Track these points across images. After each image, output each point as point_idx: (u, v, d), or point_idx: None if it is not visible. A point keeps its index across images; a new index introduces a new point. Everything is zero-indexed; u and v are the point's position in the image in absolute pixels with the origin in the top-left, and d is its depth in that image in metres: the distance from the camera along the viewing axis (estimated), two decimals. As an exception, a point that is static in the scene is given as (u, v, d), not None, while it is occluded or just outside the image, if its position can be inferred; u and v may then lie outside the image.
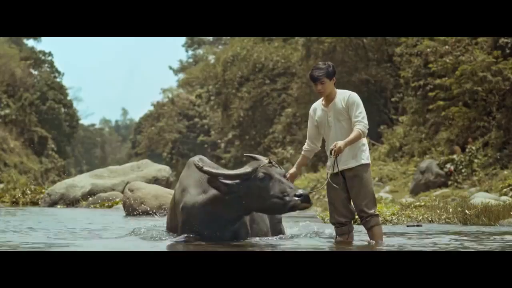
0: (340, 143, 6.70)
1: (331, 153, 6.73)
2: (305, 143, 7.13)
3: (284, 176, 6.35)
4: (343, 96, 6.86)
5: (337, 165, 6.76)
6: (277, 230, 7.37)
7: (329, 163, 7.00)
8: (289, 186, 6.15)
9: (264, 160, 6.52)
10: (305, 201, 6.06)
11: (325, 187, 7.04)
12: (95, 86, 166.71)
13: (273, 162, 6.39)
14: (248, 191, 6.15)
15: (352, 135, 6.74)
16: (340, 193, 6.90)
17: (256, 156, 6.86)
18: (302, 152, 7.10)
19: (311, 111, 7.08)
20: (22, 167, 46.87)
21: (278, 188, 6.12)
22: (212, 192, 6.30)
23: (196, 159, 6.42)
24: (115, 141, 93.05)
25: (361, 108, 6.78)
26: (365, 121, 6.78)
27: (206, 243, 6.22)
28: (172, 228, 6.76)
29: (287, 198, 6.07)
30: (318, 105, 7.04)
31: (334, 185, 6.79)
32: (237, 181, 6.18)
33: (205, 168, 6.16)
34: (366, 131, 6.84)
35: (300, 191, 6.06)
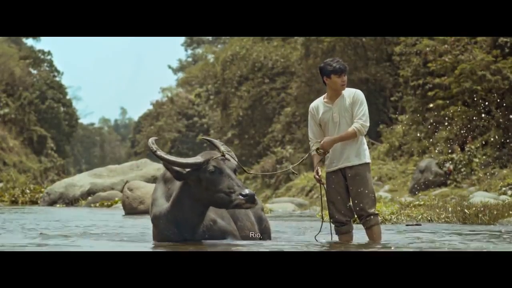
0: (327, 140, 6.74)
1: (317, 150, 6.78)
2: (312, 143, 7.06)
3: (235, 170, 6.37)
4: (349, 93, 6.89)
5: (324, 162, 6.86)
6: (259, 217, 7.39)
7: (327, 161, 7.01)
8: (237, 183, 6.17)
9: (221, 147, 6.52)
10: (250, 202, 6.09)
11: (325, 186, 7.06)
12: (94, 85, 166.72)
13: (226, 155, 6.39)
14: (197, 181, 6.19)
15: (345, 132, 6.76)
16: (341, 192, 6.91)
17: (213, 141, 6.85)
18: (314, 153, 7.04)
19: (311, 109, 7.06)
20: (21, 166, 46.86)
21: (226, 184, 6.14)
22: (172, 197, 6.36)
23: (150, 141, 6.43)
24: (114, 140, 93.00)
25: (364, 107, 6.80)
26: (364, 119, 6.78)
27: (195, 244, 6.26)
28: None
29: (233, 196, 6.10)
30: (319, 103, 7.02)
31: (293, 171, 7.13)
32: (188, 169, 6.22)
33: (158, 152, 6.22)
34: (364, 130, 6.82)
35: (246, 191, 6.08)
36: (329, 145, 6.78)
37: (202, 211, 6.36)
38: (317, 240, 7.11)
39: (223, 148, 6.54)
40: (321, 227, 7.26)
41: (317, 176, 6.97)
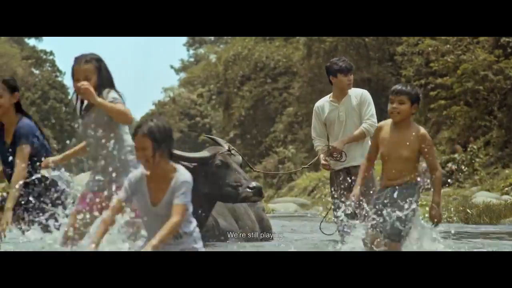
0: (337, 144, 6.75)
1: (332, 156, 6.78)
2: (316, 141, 7.06)
3: (241, 165, 6.39)
4: (356, 93, 6.93)
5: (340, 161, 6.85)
6: (260, 216, 7.39)
7: (332, 161, 7.00)
8: (244, 177, 6.20)
9: (224, 145, 6.54)
10: (257, 195, 6.12)
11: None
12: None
13: (232, 150, 6.42)
14: (204, 176, 6.18)
15: (355, 132, 6.78)
16: (345, 191, 6.90)
17: (216, 139, 6.88)
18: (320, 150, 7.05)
19: (316, 108, 7.07)
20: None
21: (233, 177, 6.17)
22: None
23: None
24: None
25: (371, 107, 6.86)
26: (373, 119, 6.83)
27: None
28: None
29: (240, 189, 6.11)
30: (325, 102, 7.04)
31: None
32: (194, 164, 6.21)
33: None
34: (373, 130, 6.85)
35: (253, 184, 6.11)
36: (341, 147, 6.80)
37: (208, 208, 6.35)
38: (321, 229, 7.14)
39: (226, 146, 6.57)
40: (325, 216, 7.29)
41: (325, 163, 6.93)
